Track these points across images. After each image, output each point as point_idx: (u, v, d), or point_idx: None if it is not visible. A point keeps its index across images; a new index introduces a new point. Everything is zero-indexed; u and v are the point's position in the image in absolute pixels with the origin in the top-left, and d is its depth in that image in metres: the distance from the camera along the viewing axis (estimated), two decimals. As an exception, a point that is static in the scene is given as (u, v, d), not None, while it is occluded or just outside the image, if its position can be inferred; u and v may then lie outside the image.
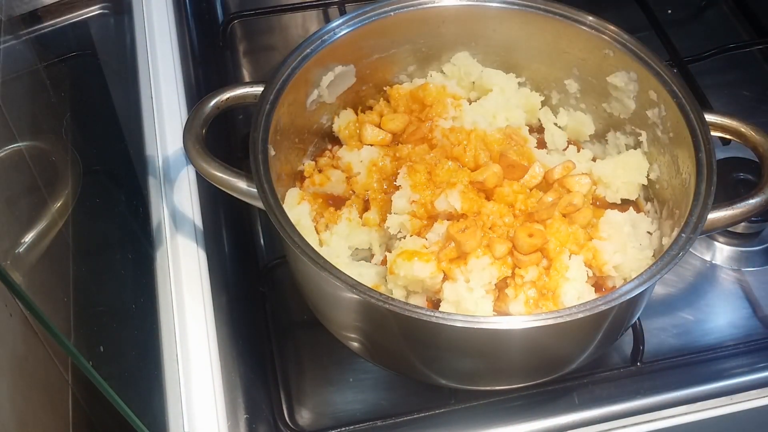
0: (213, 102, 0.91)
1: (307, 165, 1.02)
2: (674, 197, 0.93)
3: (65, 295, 1.08)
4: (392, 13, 1.00)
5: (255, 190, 0.84)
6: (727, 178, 1.06)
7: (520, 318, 0.78)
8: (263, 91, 0.91)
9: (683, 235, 0.81)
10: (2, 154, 0.98)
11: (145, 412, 0.77)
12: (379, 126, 1.04)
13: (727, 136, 0.92)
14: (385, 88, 1.07)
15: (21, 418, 0.85)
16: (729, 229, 1.05)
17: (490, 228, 0.91)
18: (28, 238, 1.00)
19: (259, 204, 0.84)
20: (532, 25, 1.02)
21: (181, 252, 0.92)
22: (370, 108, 1.08)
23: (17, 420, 0.84)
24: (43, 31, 1.28)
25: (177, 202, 0.96)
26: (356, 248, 0.97)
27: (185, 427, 0.81)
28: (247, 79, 1.29)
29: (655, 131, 0.97)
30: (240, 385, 0.89)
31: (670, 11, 1.36)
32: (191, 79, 1.12)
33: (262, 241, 1.06)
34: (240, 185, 0.86)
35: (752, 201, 0.84)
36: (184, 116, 1.03)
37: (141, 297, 0.97)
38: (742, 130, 0.90)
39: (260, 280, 1.01)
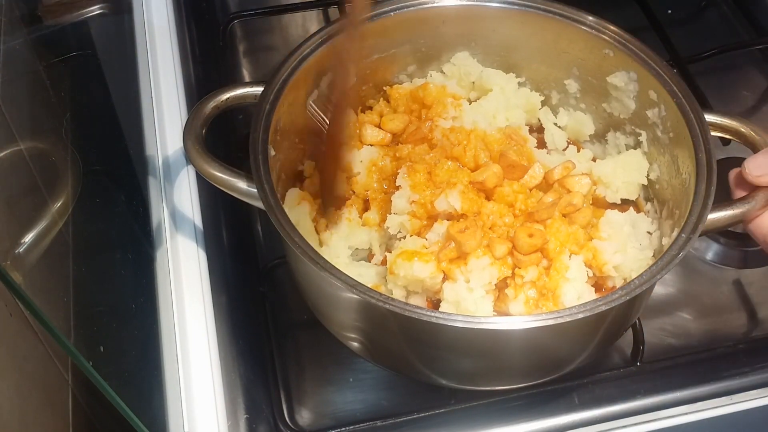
0: (213, 102, 0.91)
1: (307, 165, 1.02)
2: (674, 197, 0.93)
3: (65, 294, 1.08)
4: (392, 13, 1.00)
5: (255, 190, 0.84)
6: (728, 178, 1.06)
7: (520, 318, 0.78)
8: (263, 91, 0.91)
9: (683, 235, 0.81)
10: (2, 154, 0.98)
11: (144, 412, 0.77)
12: (378, 126, 1.03)
13: (727, 136, 0.92)
14: (384, 88, 1.07)
15: (21, 417, 0.85)
16: (729, 228, 1.06)
17: (490, 228, 0.90)
18: (28, 238, 1.00)
19: (259, 204, 0.84)
20: (531, 25, 1.02)
21: (181, 252, 0.92)
22: (370, 108, 1.08)
23: (17, 420, 0.84)
24: (43, 31, 1.28)
25: (177, 201, 0.96)
26: (356, 248, 0.97)
27: (185, 427, 0.81)
28: (247, 79, 1.29)
29: (655, 131, 0.97)
30: (240, 385, 0.89)
31: (670, 11, 1.36)
32: (191, 79, 1.12)
33: (262, 241, 1.06)
34: (240, 185, 0.86)
35: (752, 201, 0.84)
36: (184, 116, 1.03)
37: (141, 297, 0.97)
38: (742, 130, 0.90)
39: (260, 280, 1.01)
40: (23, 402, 0.86)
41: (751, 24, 1.33)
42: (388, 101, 1.07)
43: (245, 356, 0.92)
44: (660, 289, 1.03)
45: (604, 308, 0.76)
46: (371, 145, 1.02)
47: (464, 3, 1.02)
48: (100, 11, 1.32)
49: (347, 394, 0.94)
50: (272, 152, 0.89)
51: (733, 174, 0.86)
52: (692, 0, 1.41)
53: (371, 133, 1.02)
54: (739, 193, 0.85)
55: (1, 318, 0.84)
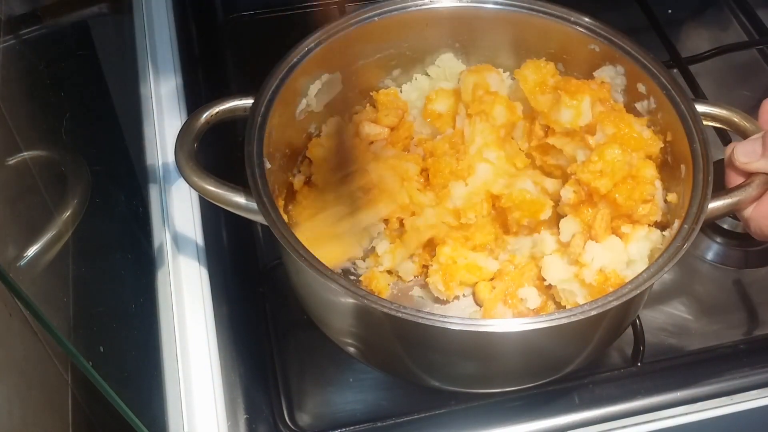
0: (203, 117, 0.89)
1: (296, 180, 1.01)
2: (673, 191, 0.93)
3: (65, 295, 1.08)
4: (376, 18, 0.99)
5: (254, 204, 0.83)
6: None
7: (517, 321, 0.77)
8: (253, 104, 0.90)
9: (685, 226, 0.81)
10: (3, 156, 0.98)
11: (144, 413, 0.77)
12: (375, 122, 1.04)
13: (719, 126, 0.92)
14: (371, 93, 1.07)
15: (21, 418, 0.85)
16: (729, 229, 1.06)
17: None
18: (33, 249, 1.00)
19: (259, 219, 0.83)
20: (516, 24, 1.01)
21: (181, 252, 0.92)
22: (356, 113, 1.07)
23: (17, 420, 0.84)
24: (42, 30, 1.28)
25: (177, 201, 0.96)
26: None
27: (185, 427, 0.81)
28: (247, 80, 1.28)
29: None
30: (240, 385, 0.89)
31: (670, 11, 1.36)
32: (191, 79, 1.12)
33: (261, 241, 1.06)
34: (238, 200, 0.84)
35: (748, 188, 0.83)
36: (184, 117, 1.04)
37: (141, 297, 0.97)
38: (735, 119, 0.90)
39: (260, 281, 1.01)
40: (23, 402, 0.86)
41: (751, 24, 1.33)
42: (374, 106, 1.06)
43: (245, 356, 0.92)
44: (660, 290, 1.03)
45: (615, 303, 0.76)
46: (372, 143, 1.02)
47: (446, 5, 1.01)
48: (100, 11, 1.32)
49: (347, 395, 0.94)
50: (267, 165, 0.87)
51: (726, 161, 0.86)
52: (692, 0, 1.41)
53: (369, 129, 1.02)
54: (734, 181, 0.85)
55: (1, 318, 0.84)
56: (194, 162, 0.85)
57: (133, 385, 0.92)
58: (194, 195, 0.97)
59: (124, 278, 1.10)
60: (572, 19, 0.98)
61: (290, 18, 1.35)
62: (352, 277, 1.00)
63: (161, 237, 0.94)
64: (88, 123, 1.25)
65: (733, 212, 0.85)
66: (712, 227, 1.07)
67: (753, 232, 0.84)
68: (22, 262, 0.96)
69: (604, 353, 0.96)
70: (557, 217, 0.95)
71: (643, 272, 0.79)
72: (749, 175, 0.84)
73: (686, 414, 0.89)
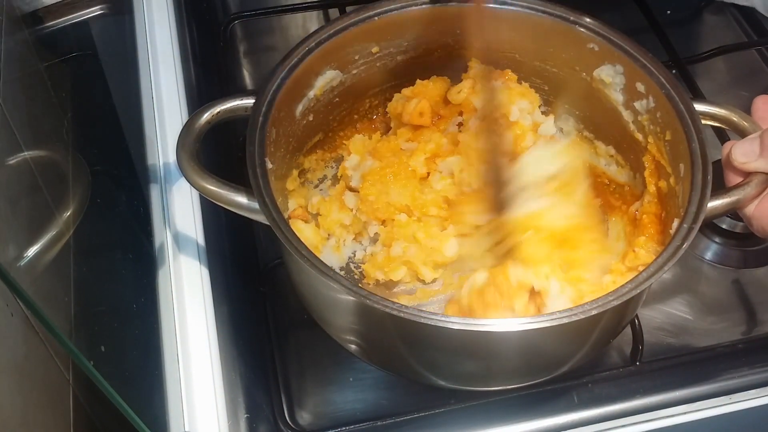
0: (205, 116, 0.89)
1: (289, 180, 1.02)
2: (672, 190, 0.93)
3: (66, 294, 1.08)
4: (376, 18, 0.99)
5: (256, 204, 0.83)
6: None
7: (516, 320, 0.77)
8: (255, 103, 0.90)
9: (685, 225, 0.81)
10: (5, 157, 0.98)
11: (145, 411, 0.77)
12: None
13: (718, 125, 0.92)
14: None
15: (22, 417, 0.85)
16: (727, 228, 1.06)
17: None
18: (34, 249, 1.00)
19: (261, 218, 0.83)
20: (515, 23, 1.01)
21: (182, 251, 0.93)
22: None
23: (18, 419, 0.84)
24: (43, 31, 1.28)
25: (177, 201, 0.96)
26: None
27: (186, 426, 0.81)
28: (247, 80, 1.29)
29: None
30: (240, 384, 0.89)
31: (669, 12, 1.36)
32: (192, 80, 1.12)
33: (262, 240, 1.06)
34: (240, 200, 0.84)
35: (747, 187, 0.83)
36: (185, 117, 1.04)
37: (142, 297, 0.98)
38: (733, 118, 0.90)
39: (260, 280, 1.01)
40: (24, 401, 0.87)
41: (750, 25, 1.33)
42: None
43: (245, 356, 0.92)
44: (659, 289, 1.03)
45: (615, 303, 0.76)
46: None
47: (449, 5, 1.01)
48: (101, 11, 1.32)
49: (347, 394, 0.94)
50: (269, 165, 0.87)
51: (724, 161, 0.87)
52: (691, 1, 1.41)
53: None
54: (733, 180, 0.85)
55: (3, 318, 0.85)
56: (196, 161, 0.85)
57: (134, 384, 0.93)
58: (195, 195, 0.97)
59: (125, 278, 1.10)
60: (572, 18, 0.98)
61: (290, 18, 1.35)
62: (352, 265, 1.00)
63: (162, 236, 0.94)
64: (89, 123, 1.25)
65: (732, 211, 0.85)
66: (710, 227, 1.07)
67: (756, 230, 0.84)
68: (23, 262, 0.97)
69: (602, 352, 0.96)
70: None
71: (642, 271, 0.79)
72: (748, 175, 0.84)
73: (685, 413, 0.89)
